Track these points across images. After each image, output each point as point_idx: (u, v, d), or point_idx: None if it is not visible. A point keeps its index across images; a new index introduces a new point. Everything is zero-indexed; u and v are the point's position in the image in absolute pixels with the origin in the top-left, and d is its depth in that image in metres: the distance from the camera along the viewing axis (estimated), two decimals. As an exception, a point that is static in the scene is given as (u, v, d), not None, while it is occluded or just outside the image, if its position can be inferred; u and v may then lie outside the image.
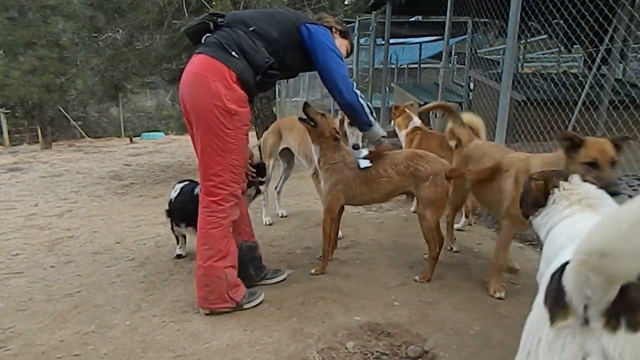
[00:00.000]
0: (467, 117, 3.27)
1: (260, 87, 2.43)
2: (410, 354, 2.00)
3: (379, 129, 2.63)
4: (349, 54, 2.80)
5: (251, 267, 2.73)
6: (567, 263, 1.06)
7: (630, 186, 3.85)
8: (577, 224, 1.46)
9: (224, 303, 2.42)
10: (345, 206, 3.09)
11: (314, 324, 2.30)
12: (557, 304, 1.09)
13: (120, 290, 2.84)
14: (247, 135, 2.48)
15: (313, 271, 2.91)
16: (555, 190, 1.66)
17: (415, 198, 2.89)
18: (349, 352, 2.04)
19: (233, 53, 2.28)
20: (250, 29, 2.35)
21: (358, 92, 2.47)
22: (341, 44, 2.66)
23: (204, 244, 2.39)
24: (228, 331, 2.27)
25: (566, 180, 1.66)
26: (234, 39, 2.31)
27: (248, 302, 2.49)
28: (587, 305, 0.99)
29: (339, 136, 2.86)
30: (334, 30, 2.63)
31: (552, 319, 1.09)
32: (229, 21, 2.39)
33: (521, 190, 1.86)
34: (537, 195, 1.70)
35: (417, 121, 4.26)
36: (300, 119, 2.86)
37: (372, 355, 2.01)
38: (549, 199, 1.66)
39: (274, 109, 8.42)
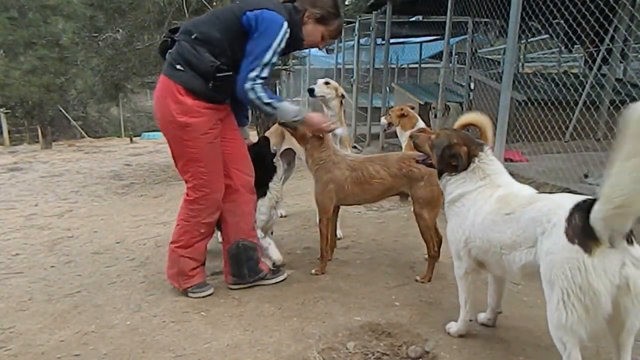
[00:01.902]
0: (473, 116, 3.20)
1: (221, 91, 2.42)
2: (411, 354, 1.99)
3: (284, 112, 2.47)
4: (329, 39, 2.62)
5: (245, 267, 2.70)
6: (576, 211, 1.49)
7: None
8: (495, 195, 1.87)
9: (174, 282, 2.69)
10: (345, 206, 3.09)
11: (315, 324, 2.29)
12: (588, 239, 1.45)
13: (121, 290, 2.84)
14: (214, 140, 2.48)
15: (313, 271, 2.91)
16: (475, 159, 1.98)
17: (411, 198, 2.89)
18: (350, 352, 2.04)
19: (178, 67, 2.37)
20: (193, 36, 2.39)
21: (257, 86, 2.33)
22: (313, 31, 2.53)
23: (175, 231, 2.67)
24: (228, 331, 2.27)
25: (482, 151, 2.00)
26: (179, 52, 2.39)
27: (192, 292, 2.65)
28: (612, 235, 1.42)
29: (322, 135, 2.82)
30: (306, 15, 2.47)
31: (589, 251, 1.45)
32: (179, 34, 2.46)
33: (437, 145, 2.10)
34: (466, 161, 1.98)
35: (422, 123, 4.27)
36: (280, 123, 2.82)
37: (373, 355, 2.01)
38: (469, 167, 1.98)
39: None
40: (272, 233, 3.10)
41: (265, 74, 2.33)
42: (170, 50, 2.47)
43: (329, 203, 2.86)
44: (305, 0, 2.47)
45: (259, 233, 2.86)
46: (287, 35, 2.36)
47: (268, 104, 2.38)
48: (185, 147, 2.45)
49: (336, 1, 2.50)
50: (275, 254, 2.87)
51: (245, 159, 2.70)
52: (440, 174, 2.11)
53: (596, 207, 1.42)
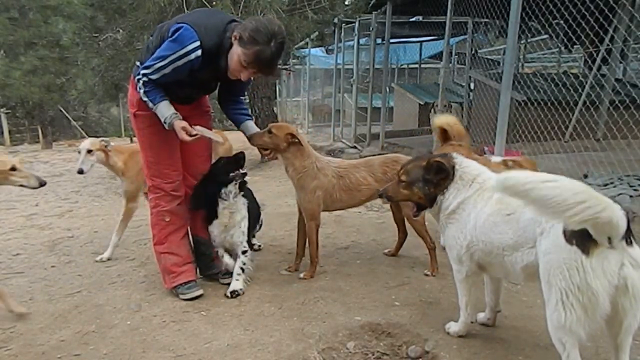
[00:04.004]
0: (443, 120, 3.20)
1: (169, 90, 2.45)
2: (411, 354, 2.00)
3: (159, 114, 2.41)
4: (247, 65, 2.35)
5: (200, 261, 2.87)
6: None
7: (630, 186, 3.85)
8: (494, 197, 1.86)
9: (165, 283, 2.74)
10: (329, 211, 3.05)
11: (315, 324, 2.30)
12: (586, 240, 1.46)
13: (121, 290, 2.84)
14: (160, 133, 2.50)
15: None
16: (456, 167, 1.98)
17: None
18: (350, 352, 2.04)
19: (137, 63, 2.52)
20: (150, 38, 2.55)
21: (141, 81, 2.37)
22: (233, 53, 2.35)
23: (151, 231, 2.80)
24: (229, 331, 2.27)
25: (453, 157, 2.02)
26: (141, 50, 2.61)
27: (182, 293, 2.65)
28: (610, 237, 1.43)
29: (297, 140, 2.73)
30: (233, 35, 2.33)
31: (587, 252, 1.46)
32: None
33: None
34: (451, 169, 1.97)
35: None
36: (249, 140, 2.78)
37: (373, 355, 2.01)
38: (455, 175, 1.97)
39: (274, 109, 8.42)
40: (255, 247, 2.94)
41: (154, 77, 2.35)
42: None
43: (317, 209, 2.85)
44: (244, 22, 2.36)
45: (221, 252, 2.81)
46: (191, 58, 2.28)
47: (145, 101, 2.43)
48: (138, 136, 2.64)
49: (267, 31, 2.28)
50: (226, 261, 2.79)
51: (196, 164, 2.78)
52: (432, 202, 2.04)
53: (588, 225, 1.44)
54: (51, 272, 3.19)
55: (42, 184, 2.51)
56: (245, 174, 2.72)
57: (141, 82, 2.38)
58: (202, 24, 2.33)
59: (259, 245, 3.45)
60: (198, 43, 2.27)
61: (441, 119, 3.20)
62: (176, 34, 2.29)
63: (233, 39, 2.33)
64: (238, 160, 2.72)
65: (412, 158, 2.20)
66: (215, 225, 2.75)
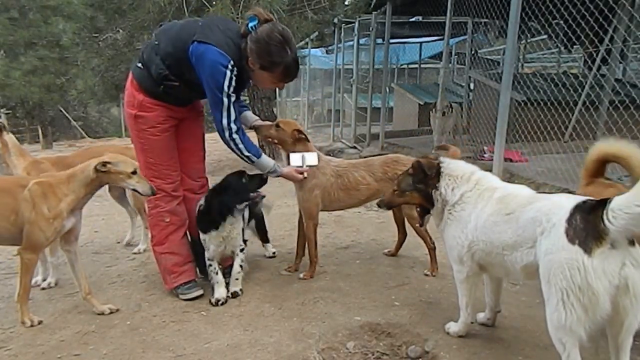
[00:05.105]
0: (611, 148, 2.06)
1: (172, 96, 2.48)
2: (411, 354, 2.00)
3: (261, 166, 2.59)
4: (280, 82, 2.51)
5: (197, 261, 2.84)
6: (577, 212, 1.52)
7: (630, 186, 3.84)
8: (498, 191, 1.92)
9: (165, 283, 2.73)
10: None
11: (315, 324, 2.30)
12: (589, 239, 1.47)
13: (121, 290, 2.84)
14: (162, 134, 2.54)
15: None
16: (441, 166, 2.05)
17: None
18: (350, 352, 2.04)
19: (138, 64, 2.53)
20: (155, 42, 2.49)
21: (236, 137, 2.42)
22: (260, 76, 2.44)
23: (149, 231, 2.83)
24: (228, 331, 2.27)
25: (437, 159, 2.10)
26: (143, 50, 2.56)
27: (182, 294, 2.65)
28: (624, 236, 1.43)
29: (303, 136, 2.76)
30: (249, 62, 2.37)
31: (589, 251, 1.46)
32: (155, 33, 2.61)
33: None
34: (433, 166, 2.05)
35: None
36: (252, 128, 2.79)
37: (373, 355, 2.01)
38: (442, 171, 2.04)
39: (274, 109, 8.42)
40: (242, 250, 2.74)
41: (233, 115, 2.40)
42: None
43: (315, 209, 2.84)
44: (250, 46, 2.33)
45: (214, 266, 2.64)
46: (235, 73, 2.33)
47: (247, 156, 2.50)
48: (135, 137, 2.59)
49: (279, 46, 2.32)
50: (218, 293, 2.59)
51: (191, 163, 2.78)
52: (429, 200, 2.08)
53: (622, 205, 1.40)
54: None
55: (154, 193, 2.43)
56: (264, 197, 2.68)
57: (237, 138, 2.42)
58: (222, 41, 2.32)
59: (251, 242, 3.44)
60: (232, 60, 2.31)
61: (612, 147, 2.02)
62: (209, 63, 2.28)
63: (251, 65, 2.37)
64: (262, 181, 2.64)
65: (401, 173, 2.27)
66: (213, 237, 2.61)
